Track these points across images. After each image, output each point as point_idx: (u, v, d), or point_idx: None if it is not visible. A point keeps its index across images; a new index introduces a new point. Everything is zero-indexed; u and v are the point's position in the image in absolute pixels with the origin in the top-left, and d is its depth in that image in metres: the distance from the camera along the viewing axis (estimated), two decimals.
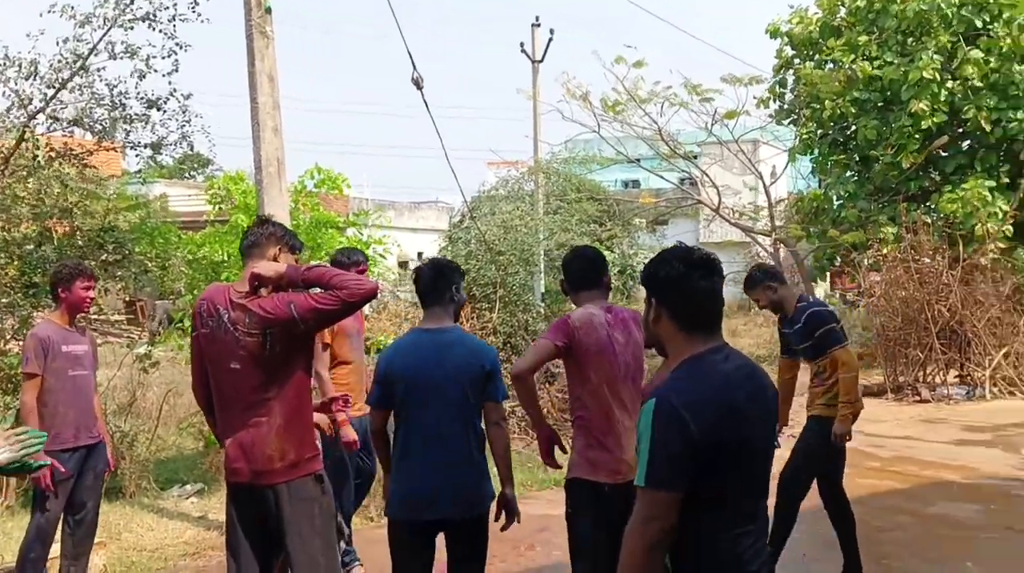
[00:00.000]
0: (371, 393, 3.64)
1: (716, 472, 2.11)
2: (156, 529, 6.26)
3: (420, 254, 18.26)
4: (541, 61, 18.64)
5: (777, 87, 16.76)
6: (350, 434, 4.80)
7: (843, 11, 15.81)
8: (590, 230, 16.16)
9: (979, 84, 13.88)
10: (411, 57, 7.65)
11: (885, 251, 13.18)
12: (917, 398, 12.13)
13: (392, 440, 3.62)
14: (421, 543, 3.52)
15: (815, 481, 5.06)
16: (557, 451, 3.78)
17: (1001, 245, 12.60)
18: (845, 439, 4.89)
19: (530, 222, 12.63)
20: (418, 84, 7.71)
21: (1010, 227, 13.24)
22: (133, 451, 7.37)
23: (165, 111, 8.93)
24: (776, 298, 5.00)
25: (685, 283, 2.27)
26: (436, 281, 3.65)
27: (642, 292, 2.47)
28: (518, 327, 10.77)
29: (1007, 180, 14.15)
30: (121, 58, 8.56)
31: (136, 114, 8.82)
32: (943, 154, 15.10)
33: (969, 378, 12.47)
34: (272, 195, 6.72)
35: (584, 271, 3.80)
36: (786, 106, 16.70)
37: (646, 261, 2.46)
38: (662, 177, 18.49)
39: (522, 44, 18.76)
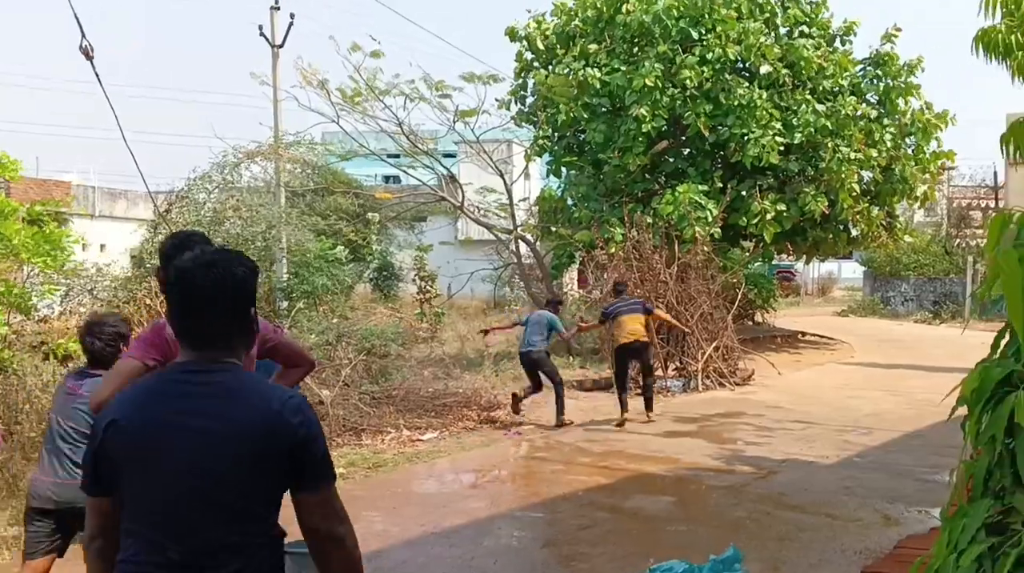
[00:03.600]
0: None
1: (119, 488, 2.06)
2: None
3: (102, 246, 16.68)
4: (281, 46, 17.76)
5: (519, 90, 17.04)
6: None
7: (577, 20, 16.35)
8: (332, 226, 15.56)
9: (696, 92, 14.85)
10: (79, 22, 6.70)
11: (613, 250, 13.72)
12: (640, 391, 12.67)
13: None
14: None
15: None
16: None
17: (707, 248, 13.48)
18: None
19: (259, 214, 11.85)
20: (87, 54, 6.76)
21: (719, 230, 14.26)
22: None
23: None
24: None
25: (169, 284, 2.15)
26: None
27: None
28: None
29: (720, 184, 15.26)
30: None
31: None
32: (668, 159, 16.03)
33: (685, 371, 13.25)
34: None
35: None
36: (527, 109, 17.01)
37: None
38: (407, 172, 18.18)
39: (260, 27, 17.78)
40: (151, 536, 2.00)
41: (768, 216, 14.94)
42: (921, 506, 6.63)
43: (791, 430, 9.87)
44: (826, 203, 15.48)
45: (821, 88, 16.35)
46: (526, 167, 17.34)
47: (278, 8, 17.82)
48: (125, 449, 2.03)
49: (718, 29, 15.03)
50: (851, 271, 40.64)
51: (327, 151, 18.78)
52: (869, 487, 7.25)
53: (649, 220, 13.79)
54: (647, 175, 15.80)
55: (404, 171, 18.12)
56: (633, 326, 10.20)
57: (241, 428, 1.99)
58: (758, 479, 7.67)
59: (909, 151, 17.56)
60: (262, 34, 17.70)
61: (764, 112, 14.78)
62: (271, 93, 17.46)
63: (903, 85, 17.17)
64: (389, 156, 18.45)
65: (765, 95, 15.00)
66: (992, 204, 31.18)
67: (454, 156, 23.90)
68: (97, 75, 6.83)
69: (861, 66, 17.84)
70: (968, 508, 2.27)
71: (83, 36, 6.74)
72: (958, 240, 30.89)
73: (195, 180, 12.06)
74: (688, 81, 14.66)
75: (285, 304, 12.20)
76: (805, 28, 17.00)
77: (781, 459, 8.36)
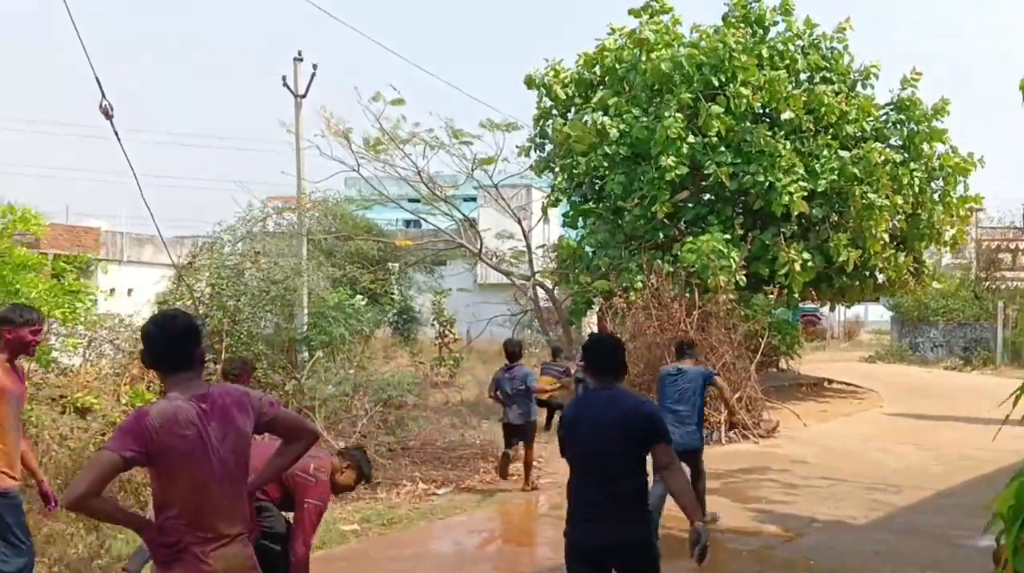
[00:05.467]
0: None
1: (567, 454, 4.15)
2: None
3: (129, 291, 16.68)
4: (304, 96, 17.98)
5: (537, 138, 17.06)
6: None
7: (597, 68, 16.42)
8: (348, 275, 15.52)
9: (716, 141, 14.78)
10: (99, 83, 6.76)
11: (633, 298, 13.56)
12: None
13: None
14: None
15: None
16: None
17: (732, 296, 13.30)
18: None
19: (277, 265, 11.84)
20: (107, 114, 6.82)
21: (743, 277, 14.05)
22: None
23: None
24: None
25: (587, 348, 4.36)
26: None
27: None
28: None
29: (741, 232, 15.08)
30: None
31: None
32: (689, 206, 15.92)
33: (707, 423, 12.95)
34: None
35: (172, 346, 3.09)
36: (545, 155, 17.01)
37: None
38: (425, 219, 18.22)
39: (284, 78, 18.03)
40: (582, 482, 4.04)
41: (796, 266, 14.72)
42: None
43: (818, 488, 9.57)
44: (859, 253, 15.25)
45: (844, 133, 16.21)
46: (543, 215, 17.32)
47: (301, 60, 18.07)
48: (568, 433, 4.13)
49: (740, 77, 14.98)
50: (878, 315, 40.12)
51: (350, 202, 18.91)
52: (900, 552, 6.96)
53: (669, 268, 13.64)
54: (667, 222, 15.69)
55: (423, 218, 18.16)
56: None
57: (619, 417, 3.95)
58: (784, 542, 7.40)
59: (935, 196, 17.32)
60: (285, 84, 17.96)
61: (788, 160, 14.65)
62: (294, 140, 17.68)
63: (928, 130, 16.98)
64: (410, 201, 18.52)
65: (788, 145, 14.89)
66: (1022, 246, 30.71)
67: (475, 200, 23.88)
68: (116, 134, 6.90)
69: (884, 111, 17.69)
70: None
71: (103, 96, 6.82)
72: (988, 283, 30.38)
73: (219, 233, 12.14)
74: (713, 131, 14.59)
75: (305, 354, 12.13)
76: (826, 74, 16.92)
77: (808, 519, 8.07)
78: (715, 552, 7.19)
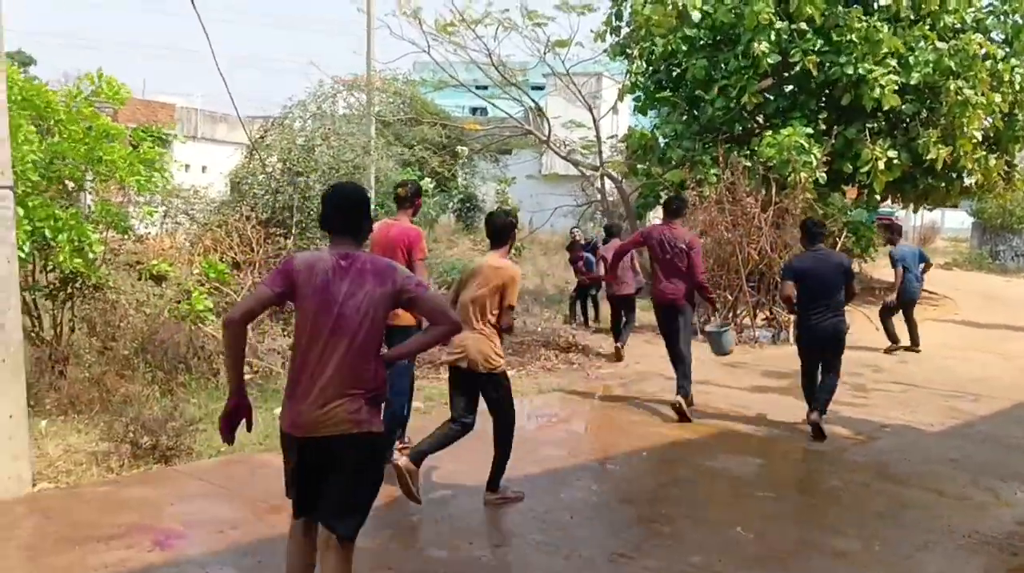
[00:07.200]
0: None
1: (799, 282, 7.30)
2: None
3: (203, 168, 16.80)
4: None
5: (613, 20, 16.24)
6: None
7: None
8: (417, 155, 15.33)
9: (805, 27, 13.85)
10: None
11: (707, 192, 13.11)
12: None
13: None
14: None
15: None
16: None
17: (811, 196, 12.74)
18: None
19: (347, 143, 11.68)
20: None
21: (823, 175, 13.43)
22: None
23: None
24: None
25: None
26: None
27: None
28: None
29: (824, 127, 14.33)
30: None
31: None
32: (769, 97, 15.13)
33: (775, 321, 12.71)
34: None
35: (339, 212, 3.39)
36: (621, 40, 16.22)
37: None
38: (494, 105, 17.73)
39: None
40: (810, 300, 7.19)
41: (880, 164, 13.96)
42: None
43: (890, 392, 9.33)
44: (948, 151, 14.38)
45: (942, 24, 15.08)
46: (616, 103, 16.67)
47: None
48: (804, 274, 7.21)
49: None
50: (957, 222, 38.57)
51: (421, 83, 18.51)
52: (978, 461, 6.75)
53: (746, 162, 13.06)
54: (745, 114, 14.93)
55: (491, 103, 17.69)
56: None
57: (834, 265, 7.28)
58: (855, 445, 7.23)
59: None
60: None
61: (888, 45, 13.61)
62: (365, 21, 17.24)
63: None
64: (478, 87, 18.04)
65: (886, 28, 13.85)
66: None
67: (542, 89, 23.17)
68: (193, 3, 6.69)
69: (988, 0, 16.40)
70: None
71: None
72: None
73: (291, 108, 12.01)
74: (804, 15, 13.61)
75: None
76: None
77: (880, 424, 7.87)
78: (782, 449, 7.13)
